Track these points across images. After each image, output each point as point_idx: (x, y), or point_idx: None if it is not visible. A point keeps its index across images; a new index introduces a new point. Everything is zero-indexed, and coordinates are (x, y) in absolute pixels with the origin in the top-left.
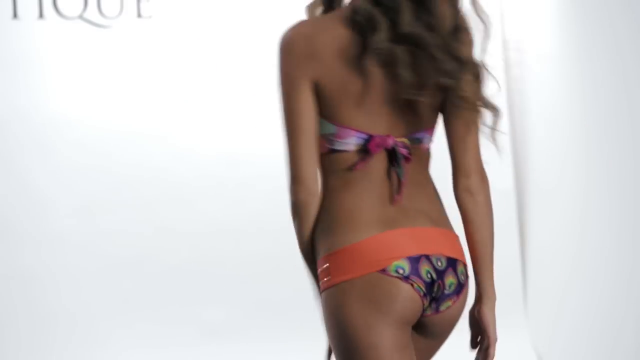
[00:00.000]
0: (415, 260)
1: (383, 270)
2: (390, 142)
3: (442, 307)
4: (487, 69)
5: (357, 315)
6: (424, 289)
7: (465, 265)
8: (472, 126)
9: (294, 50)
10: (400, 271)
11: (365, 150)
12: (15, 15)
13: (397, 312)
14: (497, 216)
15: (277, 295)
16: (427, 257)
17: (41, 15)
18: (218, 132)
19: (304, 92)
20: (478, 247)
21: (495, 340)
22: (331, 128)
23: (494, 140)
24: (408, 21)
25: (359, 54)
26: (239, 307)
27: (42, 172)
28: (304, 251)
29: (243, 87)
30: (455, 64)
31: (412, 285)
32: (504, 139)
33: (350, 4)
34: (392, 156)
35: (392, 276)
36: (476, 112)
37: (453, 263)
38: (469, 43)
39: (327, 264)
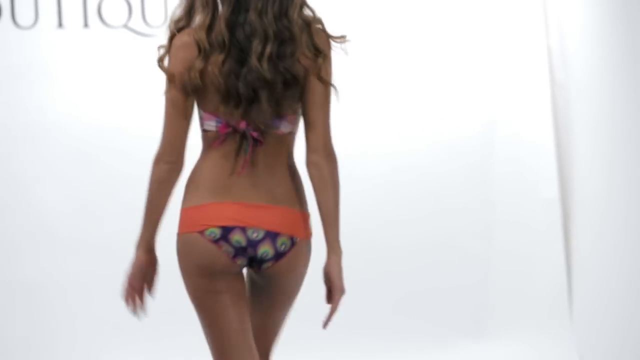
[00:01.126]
0: (227, 230)
1: (201, 232)
2: (242, 126)
3: (263, 267)
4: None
5: (181, 261)
6: (233, 251)
7: (292, 237)
8: (321, 111)
9: (179, 52)
10: (212, 235)
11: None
12: (60, 24)
13: (204, 263)
14: (540, 222)
15: None
16: (242, 229)
17: (86, 24)
18: None
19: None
20: (323, 210)
21: (342, 289)
22: (200, 113)
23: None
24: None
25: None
26: None
27: (90, 180)
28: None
29: None
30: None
31: (219, 247)
32: (548, 147)
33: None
34: (245, 138)
35: (205, 238)
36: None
37: (273, 235)
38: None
39: (179, 217)
